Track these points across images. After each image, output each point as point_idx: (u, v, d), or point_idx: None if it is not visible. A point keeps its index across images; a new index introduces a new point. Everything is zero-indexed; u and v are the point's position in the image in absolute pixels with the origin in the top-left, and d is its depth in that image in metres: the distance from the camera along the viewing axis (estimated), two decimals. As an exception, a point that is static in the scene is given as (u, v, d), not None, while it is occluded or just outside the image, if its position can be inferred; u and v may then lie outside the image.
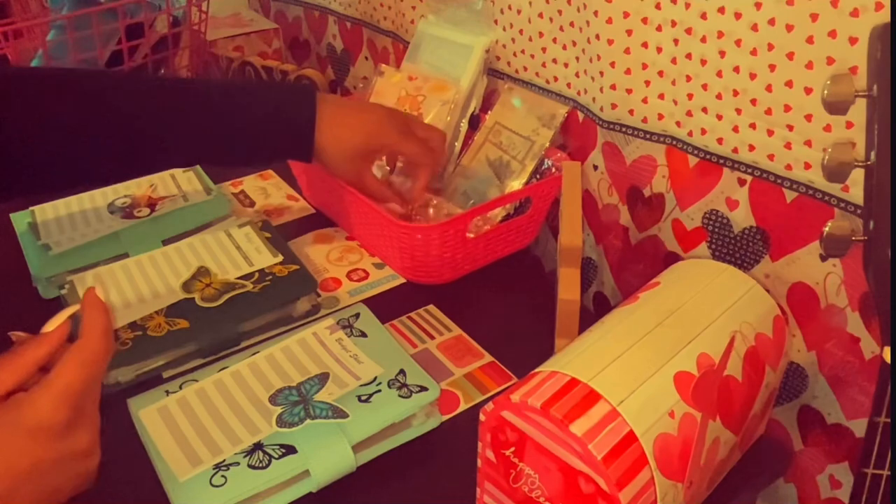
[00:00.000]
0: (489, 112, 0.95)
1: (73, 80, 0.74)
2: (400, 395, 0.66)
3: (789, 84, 0.64)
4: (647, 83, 0.77)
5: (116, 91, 0.75)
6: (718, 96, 0.71)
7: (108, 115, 0.73)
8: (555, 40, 0.88)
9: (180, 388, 0.68)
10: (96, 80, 0.76)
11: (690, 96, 0.73)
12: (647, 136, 0.79)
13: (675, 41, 0.73)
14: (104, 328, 0.49)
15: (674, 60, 0.73)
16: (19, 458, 0.44)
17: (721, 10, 0.67)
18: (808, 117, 0.64)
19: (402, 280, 0.88)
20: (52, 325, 0.49)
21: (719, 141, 0.72)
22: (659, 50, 0.74)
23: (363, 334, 0.74)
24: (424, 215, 0.91)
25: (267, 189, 1.05)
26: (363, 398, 0.66)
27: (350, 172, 0.80)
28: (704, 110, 0.73)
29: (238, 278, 0.80)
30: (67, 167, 0.74)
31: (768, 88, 0.66)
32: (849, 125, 0.61)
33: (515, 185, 0.89)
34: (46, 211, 0.92)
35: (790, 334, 0.66)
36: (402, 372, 0.69)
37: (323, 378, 0.68)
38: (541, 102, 0.91)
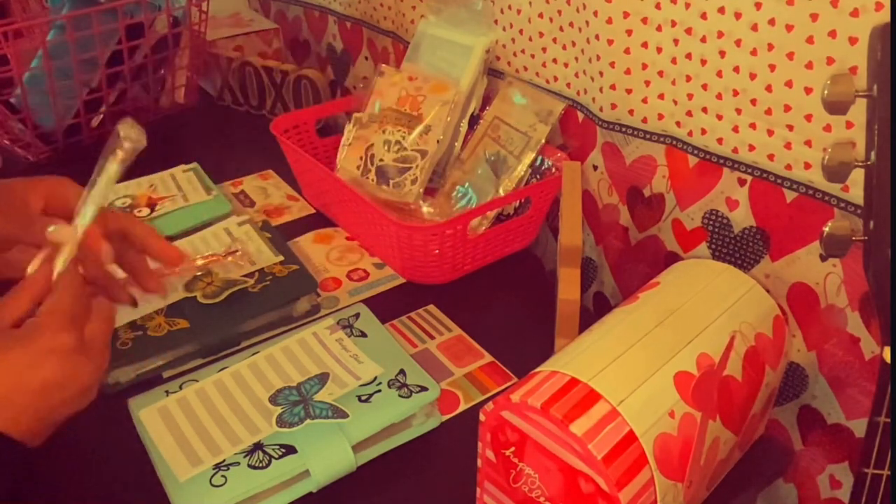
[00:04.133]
0: (488, 107, 0.95)
1: None
2: (400, 395, 0.66)
3: (789, 84, 0.64)
4: (647, 83, 0.77)
5: None
6: (718, 96, 0.71)
7: None
8: (555, 40, 0.88)
9: (180, 388, 0.68)
10: None
11: (690, 96, 0.73)
12: (647, 136, 0.79)
13: (675, 41, 0.72)
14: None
15: (674, 60, 0.73)
16: (31, 378, 0.49)
17: (721, 10, 0.67)
18: (808, 117, 0.64)
19: (402, 280, 0.88)
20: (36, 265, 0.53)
21: (719, 141, 0.72)
22: (659, 50, 0.74)
23: (363, 334, 0.74)
24: (423, 215, 0.91)
25: (267, 189, 1.05)
26: (363, 398, 0.66)
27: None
28: (704, 110, 0.73)
29: (240, 276, 0.80)
30: None
31: (768, 88, 0.66)
32: (849, 125, 0.61)
33: (512, 180, 0.89)
34: (46, 211, 0.92)
35: (790, 334, 0.66)
36: (402, 372, 0.69)
37: (323, 378, 0.68)
38: (538, 98, 0.91)
